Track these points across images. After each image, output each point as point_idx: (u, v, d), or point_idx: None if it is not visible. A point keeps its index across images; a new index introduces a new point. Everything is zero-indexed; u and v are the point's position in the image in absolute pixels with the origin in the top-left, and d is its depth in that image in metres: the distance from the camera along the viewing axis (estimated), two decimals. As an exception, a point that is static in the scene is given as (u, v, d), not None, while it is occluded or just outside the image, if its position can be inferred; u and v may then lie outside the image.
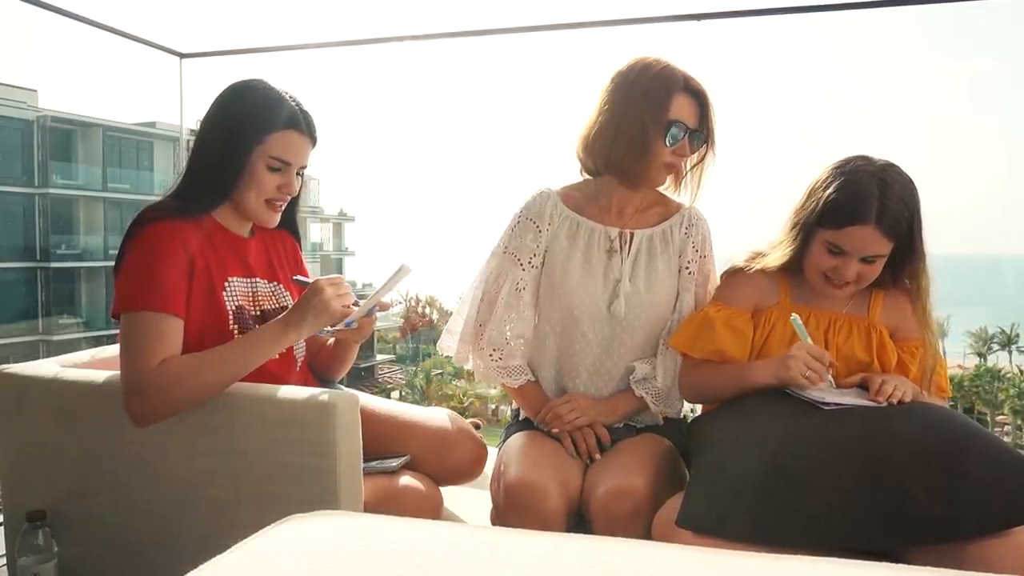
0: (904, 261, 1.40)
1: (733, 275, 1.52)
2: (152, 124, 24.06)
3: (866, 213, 1.31)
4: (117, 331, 1.39)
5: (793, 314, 1.41)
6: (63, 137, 22.66)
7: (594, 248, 1.57)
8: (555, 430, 1.54)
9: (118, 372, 1.41)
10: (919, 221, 1.35)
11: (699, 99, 1.50)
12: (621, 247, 1.57)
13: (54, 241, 22.06)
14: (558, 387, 1.62)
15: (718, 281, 1.58)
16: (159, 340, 1.26)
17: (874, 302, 1.47)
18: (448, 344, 1.69)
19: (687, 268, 1.57)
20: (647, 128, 1.46)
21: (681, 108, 1.47)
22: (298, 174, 1.43)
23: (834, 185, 1.35)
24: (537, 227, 1.59)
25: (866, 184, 1.32)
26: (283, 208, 1.44)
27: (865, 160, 1.36)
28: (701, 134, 1.51)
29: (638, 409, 1.59)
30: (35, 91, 22.75)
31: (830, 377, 1.35)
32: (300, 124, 1.39)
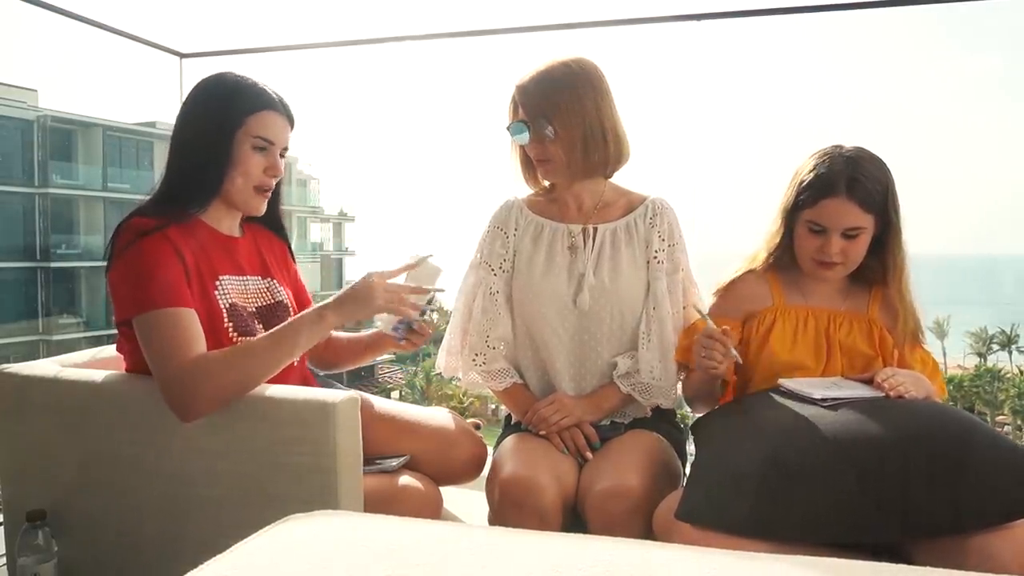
0: (886, 241, 1.44)
1: (723, 288, 1.56)
2: (152, 124, 24.01)
3: (836, 185, 1.38)
4: (116, 331, 1.39)
5: (696, 304, 1.48)
6: (63, 137, 22.62)
7: (557, 246, 1.61)
8: (541, 432, 1.55)
9: (118, 372, 1.42)
10: (893, 196, 1.42)
11: (516, 96, 1.56)
12: (585, 242, 1.60)
13: (54, 241, 22.02)
14: (544, 386, 1.63)
15: (691, 272, 1.62)
16: (186, 333, 1.27)
17: (873, 299, 1.49)
18: (440, 361, 1.73)
19: (655, 258, 1.59)
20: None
21: (512, 112, 1.58)
22: (280, 156, 1.44)
23: (807, 169, 1.43)
24: (504, 233, 1.65)
25: (835, 161, 1.40)
26: (269, 194, 1.44)
27: (836, 146, 1.44)
28: (523, 122, 1.55)
29: (623, 404, 1.59)
30: (35, 91, 22.70)
31: (734, 351, 1.37)
32: (276, 104, 1.41)
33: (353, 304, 1.35)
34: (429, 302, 1.48)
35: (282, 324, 1.34)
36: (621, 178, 1.66)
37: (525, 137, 1.55)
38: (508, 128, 1.59)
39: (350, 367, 1.70)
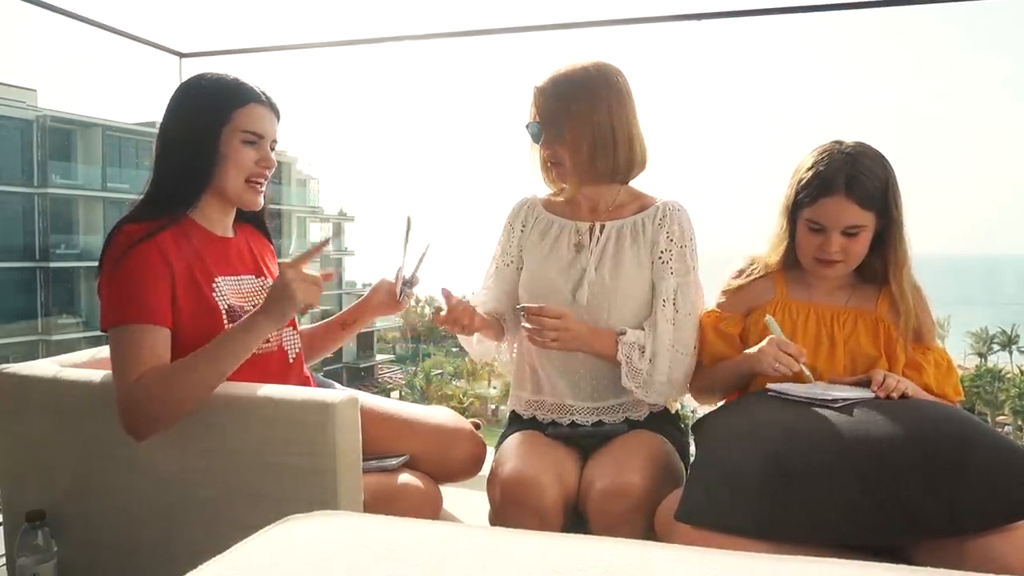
0: (887, 237, 1.43)
1: (733, 289, 1.57)
2: (152, 124, 23.90)
3: (835, 184, 1.38)
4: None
5: (767, 315, 1.45)
6: (63, 137, 22.64)
7: (563, 242, 1.63)
8: (527, 334, 1.50)
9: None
10: (894, 191, 1.40)
11: (535, 96, 1.57)
12: (591, 239, 1.61)
13: (54, 241, 22.05)
14: (537, 380, 1.64)
15: (700, 279, 1.60)
16: (142, 352, 1.25)
17: (882, 298, 1.48)
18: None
19: (660, 258, 1.58)
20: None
21: (532, 112, 1.58)
22: (271, 148, 1.44)
23: (807, 166, 1.42)
24: (513, 229, 1.70)
25: (835, 159, 1.40)
26: (263, 187, 1.44)
27: (836, 142, 1.43)
28: (537, 123, 1.56)
29: (610, 356, 1.54)
30: (35, 91, 22.75)
31: (804, 368, 1.38)
32: (260, 97, 1.41)
33: (277, 305, 1.29)
34: (421, 259, 1.57)
35: (216, 338, 1.29)
36: (635, 181, 1.66)
37: (537, 137, 1.57)
38: (527, 127, 1.60)
39: (332, 351, 1.73)
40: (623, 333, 1.54)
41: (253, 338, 1.28)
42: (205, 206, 1.42)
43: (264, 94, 1.42)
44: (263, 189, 1.45)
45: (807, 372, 1.39)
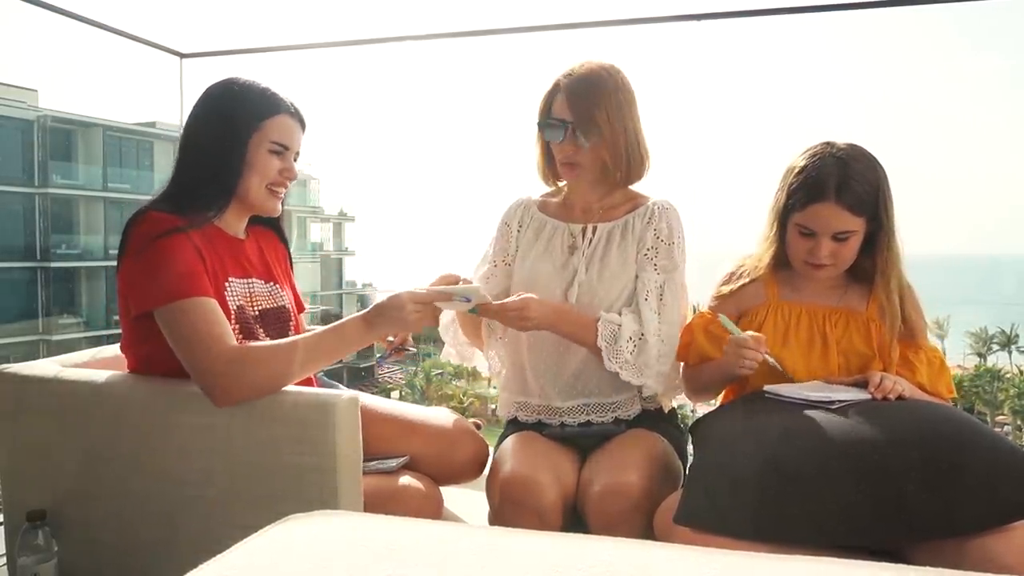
0: (876, 240, 1.42)
1: (725, 295, 1.56)
2: (152, 124, 24.03)
3: (826, 190, 1.37)
4: (118, 331, 1.39)
5: (720, 315, 1.46)
6: (63, 137, 22.62)
7: (556, 243, 1.63)
8: (489, 316, 1.50)
9: (119, 371, 1.42)
10: (884, 196, 1.40)
11: (563, 94, 1.54)
12: (583, 241, 1.61)
13: (54, 241, 22.02)
14: (523, 379, 1.64)
15: (685, 279, 1.60)
16: (220, 323, 1.28)
17: (872, 298, 1.47)
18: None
19: (646, 255, 1.57)
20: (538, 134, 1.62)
21: (554, 106, 1.55)
22: (294, 159, 1.45)
23: (797, 170, 1.41)
24: (510, 229, 1.70)
25: (826, 163, 1.38)
26: (283, 194, 1.46)
27: (827, 144, 1.42)
28: (566, 122, 1.53)
29: (585, 341, 1.52)
30: (35, 91, 22.70)
31: (769, 358, 1.38)
32: (290, 108, 1.43)
33: (384, 321, 1.35)
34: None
35: (328, 327, 1.36)
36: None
37: (559, 136, 1.55)
38: (540, 124, 1.58)
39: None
40: (607, 317, 1.52)
41: (362, 342, 1.36)
42: (225, 209, 1.42)
43: (293, 105, 1.43)
44: (283, 195, 1.46)
45: (772, 360, 1.39)
